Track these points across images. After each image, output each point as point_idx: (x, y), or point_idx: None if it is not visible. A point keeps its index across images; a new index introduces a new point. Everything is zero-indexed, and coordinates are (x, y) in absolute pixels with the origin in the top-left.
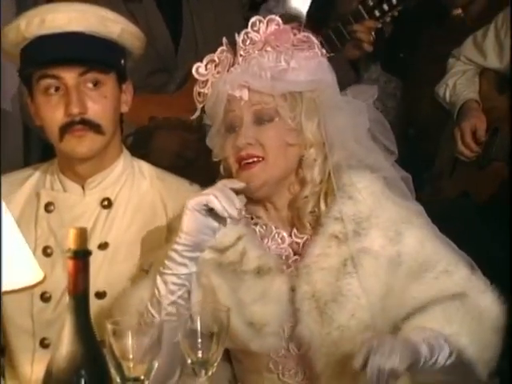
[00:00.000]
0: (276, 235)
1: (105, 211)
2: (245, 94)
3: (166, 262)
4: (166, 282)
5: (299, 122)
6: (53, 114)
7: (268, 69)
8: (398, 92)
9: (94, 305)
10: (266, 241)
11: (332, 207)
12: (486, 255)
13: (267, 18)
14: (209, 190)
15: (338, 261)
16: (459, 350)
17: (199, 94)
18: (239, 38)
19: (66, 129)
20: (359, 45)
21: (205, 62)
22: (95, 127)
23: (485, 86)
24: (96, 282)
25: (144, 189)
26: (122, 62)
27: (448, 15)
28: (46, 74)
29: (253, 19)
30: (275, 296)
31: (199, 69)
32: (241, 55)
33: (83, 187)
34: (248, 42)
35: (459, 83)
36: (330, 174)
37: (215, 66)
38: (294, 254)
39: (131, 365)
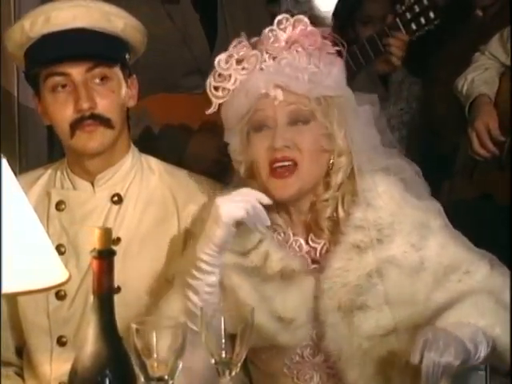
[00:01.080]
0: (294, 243)
1: (115, 207)
2: (279, 94)
3: (195, 272)
4: (198, 293)
5: (332, 128)
6: (62, 111)
7: (304, 70)
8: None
9: None
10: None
11: (352, 214)
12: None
13: (295, 18)
14: (240, 203)
15: (362, 274)
16: (493, 341)
17: (217, 88)
18: (263, 35)
19: (76, 125)
20: (390, 59)
21: (224, 56)
22: (105, 121)
23: (506, 87)
24: None
25: (153, 183)
26: (127, 56)
27: (471, 15)
28: (53, 71)
29: (279, 17)
30: (300, 292)
31: (221, 63)
32: (268, 53)
33: (93, 184)
34: (272, 39)
35: (477, 79)
36: (347, 179)
37: (237, 62)
38: (312, 261)
39: (155, 364)
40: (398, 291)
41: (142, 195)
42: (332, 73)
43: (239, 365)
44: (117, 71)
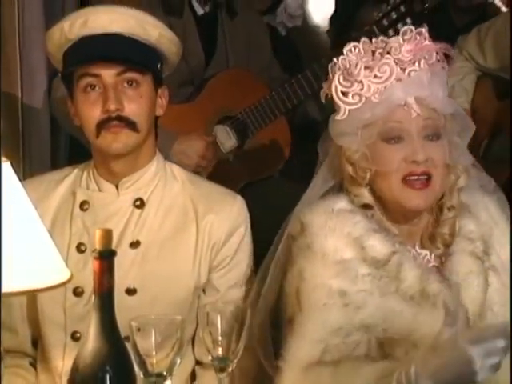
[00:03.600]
0: (420, 256)
1: (137, 211)
2: (417, 108)
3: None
4: None
5: (462, 144)
6: (91, 110)
7: (439, 86)
8: None
9: (124, 301)
10: None
11: (462, 227)
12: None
13: (417, 31)
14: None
15: (483, 277)
16: None
17: (346, 93)
18: (387, 45)
19: (102, 125)
20: None
21: (354, 61)
22: (131, 124)
23: (484, 92)
24: (127, 279)
25: (176, 191)
26: (159, 66)
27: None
28: (87, 72)
29: (404, 28)
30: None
31: (351, 69)
32: (396, 63)
33: (117, 187)
34: (399, 50)
35: (458, 85)
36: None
37: (367, 68)
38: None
39: (154, 361)
40: (498, 297)
41: (163, 201)
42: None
43: (235, 361)
44: (148, 79)
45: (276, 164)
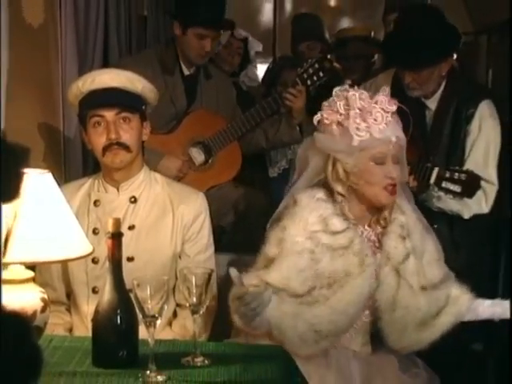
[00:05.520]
0: (364, 232)
1: (132, 205)
2: (394, 142)
3: None
4: None
5: (405, 167)
6: (98, 139)
7: (399, 127)
8: None
9: (126, 266)
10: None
11: (396, 218)
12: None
13: (387, 89)
14: None
15: (406, 252)
16: None
17: (360, 129)
18: (377, 99)
19: (106, 148)
20: (291, 107)
21: (365, 111)
22: (125, 147)
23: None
24: (127, 251)
25: (157, 190)
26: (143, 107)
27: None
28: (95, 114)
29: (384, 87)
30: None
31: (364, 112)
32: (385, 111)
33: (118, 189)
34: (384, 102)
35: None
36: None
37: (369, 113)
38: (374, 245)
39: (150, 307)
40: (416, 268)
41: (149, 198)
42: None
43: (205, 306)
44: (136, 116)
45: (231, 173)
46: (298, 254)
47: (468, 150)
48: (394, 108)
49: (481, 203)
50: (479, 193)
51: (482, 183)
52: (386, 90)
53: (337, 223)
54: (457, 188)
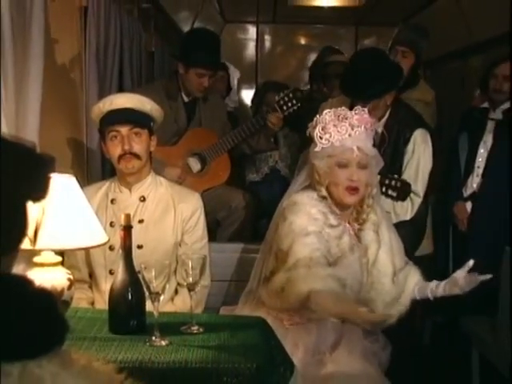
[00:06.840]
0: (348, 228)
1: (142, 203)
2: (357, 151)
3: None
4: None
5: (375, 173)
6: (115, 150)
7: (369, 140)
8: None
9: (136, 252)
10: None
11: (370, 217)
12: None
13: (362, 109)
14: None
15: (378, 244)
16: None
17: (322, 137)
18: (348, 114)
19: (121, 157)
20: (271, 127)
21: (328, 120)
22: (136, 156)
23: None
24: (137, 240)
25: (162, 191)
26: (152, 124)
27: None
28: (112, 129)
29: (357, 107)
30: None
31: (326, 125)
32: (351, 125)
33: (130, 190)
34: (354, 117)
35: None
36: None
37: (334, 126)
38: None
39: (154, 285)
40: (387, 256)
41: (155, 197)
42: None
43: (199, 285)
44: (145, 131)
45: (222, 178)
46: (307, 236)
47: (404, 166)
48: (363, 124)
49: (407, 212)
50: (407, 202)
51: (411, 195)
52: (365, 110)
53: (332, 218)
54: (393, 193)
